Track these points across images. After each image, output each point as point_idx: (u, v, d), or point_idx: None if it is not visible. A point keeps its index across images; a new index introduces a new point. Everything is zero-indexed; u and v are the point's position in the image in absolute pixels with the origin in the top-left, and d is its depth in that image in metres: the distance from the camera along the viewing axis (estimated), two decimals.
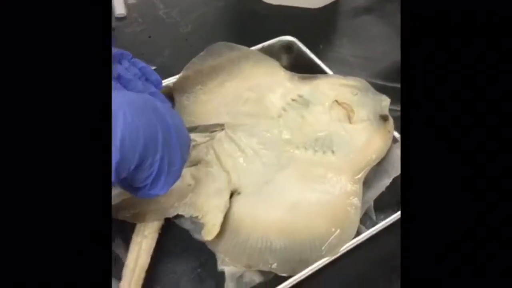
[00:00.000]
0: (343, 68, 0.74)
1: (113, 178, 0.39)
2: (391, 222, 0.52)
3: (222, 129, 0.59)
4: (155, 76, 0.54)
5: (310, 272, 0.49)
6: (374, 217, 0.55)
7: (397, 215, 0.53)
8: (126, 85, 0.51)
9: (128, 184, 0.45)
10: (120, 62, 0.53)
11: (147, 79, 0.54)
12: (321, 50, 0.78)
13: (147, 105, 0.43)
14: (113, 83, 0.50)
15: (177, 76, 0.65)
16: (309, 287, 0.49)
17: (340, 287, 0.51)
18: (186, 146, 0.47)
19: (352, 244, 0.50)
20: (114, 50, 0.53)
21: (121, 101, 0.41)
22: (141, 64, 0.54)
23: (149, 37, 0.79)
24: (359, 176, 0.54)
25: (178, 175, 0.46)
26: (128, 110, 0.40)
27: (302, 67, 0.69)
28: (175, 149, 0.44)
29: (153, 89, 0.54)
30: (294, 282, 0.48)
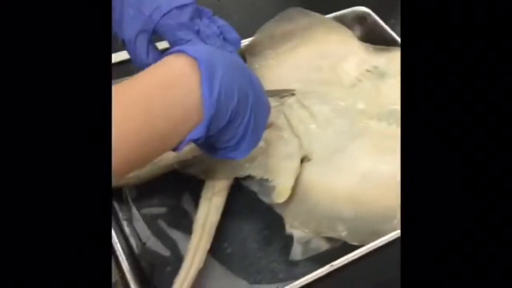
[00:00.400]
0: None
1: (202, 134, 0.39)
2: None
3: (293, 95, 0.58)
4: (234, 34, 0.54)
5: (378, 245, 0.48)
6: None
7: None
8: (205, 41, 0.51)
9: (209, 144, 0.44)
10: (200, 18, 0.52)
11: (225, 38, 0.54)
12: (392, 24, 0.75)
13: (240, 65, 0.42)
14: (193, 37, 0.50)
15: (246, 40, 0.64)
16: (375, 260, 0.49)
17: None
18: (268, 112, 0.46)
19: None
20: (195, 6, 0.52)
21: (218, 56, 0.40)
22: (221, 22, 0.54)
23: (218, 0, 0.78)
24: None
25: (259, 140, 0.45)
26: (226, 65, 0.39)
27: (375, 40, 0.67)
28: (260, 113, 0.43)
29: (230, 48, 0.53)
30: (360, 255, 0.47)
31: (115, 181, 0.34)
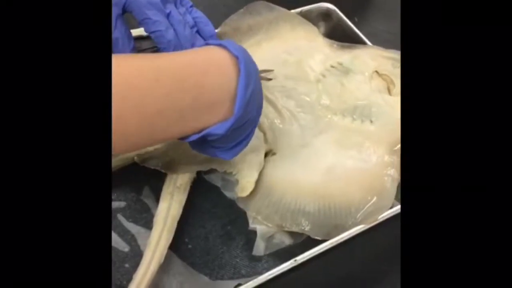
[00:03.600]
0: (376, 43, 0.72)
1: (225, 131, 0.38)
2: None
3: (269, 79, 0.57)
4: (210, 27, 0.52)
5: (341, 240, 0.48)
6: None
7: None
8: (173, 26, 0.49)
9: (206, 141, 0.42)
10: (176, 5, 0.50)
11: (199, 31, 0.52)
12: (356, 23, 0.76)
13: (259, 77, 0.42)
14: (162, 19, 0.48)
15: None
16: (339, 254, 0.49)
17: (370, 257, 0.50)
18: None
19: (386, 215, 0.49)
20: None
21: (252, 61, 0.40)
22: (199, 14, 0.52)
23: None
24: (397, 148, 0.53)
25: (247, 145, 0.44)
26: (256, 73, 0.40)
27: (339, 37, 0.67)
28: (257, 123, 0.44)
29: (201, 41, 0.52)
30: (323, 249, 0.47)
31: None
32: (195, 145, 0.43)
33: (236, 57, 0.39)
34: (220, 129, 0.38)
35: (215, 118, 0.38)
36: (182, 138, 0.39)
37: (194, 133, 0.39)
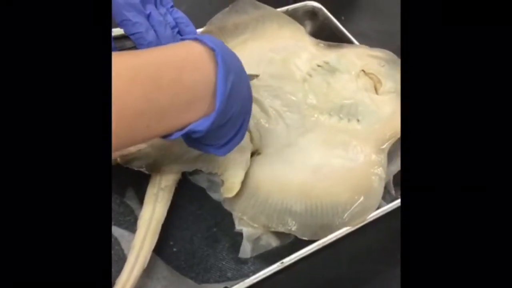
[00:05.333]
0: (363, 42, 0.72)
1: (207, 127, 0.37)
2: None
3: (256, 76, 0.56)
4: (191, 28, 0.51)
5: (328, 241, 0.47)
6: (393, 192, 0.53)
7: None
8: (154, 27, 0.48)
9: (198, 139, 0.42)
10: (156, 6, 0.49)
11: (180, 32, 0.51)
12: (342, 21, 0.76)
13: (243, 68, 0.41)
14: (142, 20, 0.47)
15: (197, 31, 0.62)
16: (326, 256, 0.48)
17: (357, 258, 0.49)
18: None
19: (373, 216, 0.49)
20: None
21: (230, 52, 0.40)
22: (179, 14, 0.51)
23: None
24: (384, 147, 0.53)
25: (241, 141, 0.44)
26: (237, 64, 0.39)
27: (326, 36, 0.66)
28: (248, 118, 0.43)
29: None
30: (311, 251, 0.47)
31: None
32: (189, 142, 0.42)
33: (213, 50, 0.38)
34: (202, 125, 0.37)
35: (197, 115, 0.37)
36: (165, 137, 0.38)
37: (177, 131, 0.38)
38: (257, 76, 0.56)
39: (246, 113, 0.42)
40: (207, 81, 0.37)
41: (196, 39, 0.39)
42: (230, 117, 0.39)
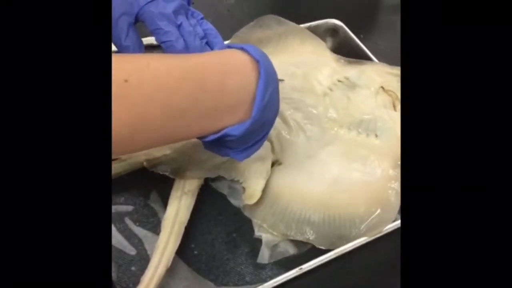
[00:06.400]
0: (381, 60, 0.73)
1: (242, 132, 0.39)
2: None
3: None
4: (219, 39, 0.53)
5: (346, 250, 0.48)
6: None
7: None
8: (184, 37, 0.50)
9: (221, 141, 0.43)
10: (187, 17, 0.52)
11: (208, 42, 0.53)
12: (361, 39, 0.78)
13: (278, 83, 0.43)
14: (173, 30, 0.49)
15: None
16: (343, 265, 0.49)
17: (372, 269, 0.50)
18: None
19: (389, 229, 0.50)
20: (183, 3, 0.52)
21: (272, 66, 0.42)
22: (209, 26, 0.53)
23: (193, 3, 0.78)
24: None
25: (259, 149, 0.45)
26: (276, 78, 0.41)
27: (346, 52, 0.68)
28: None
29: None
30: (326, 260, 0.48)
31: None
32: (209, 145, 0.43)
33: (257, 61, 0.40)
34: (237, 130, 0.39)
35: (234, 119, 0.39)
36: (200, 138, 0.40)
37: (212, 133, 0.40)
38: (282, 80, 0.58)
39: (271, 123, 0.44)
40: (248, 89, 0.39)
41: (241, 48, 0.41)
42: (261, 126, 0.41)
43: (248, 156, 0.44)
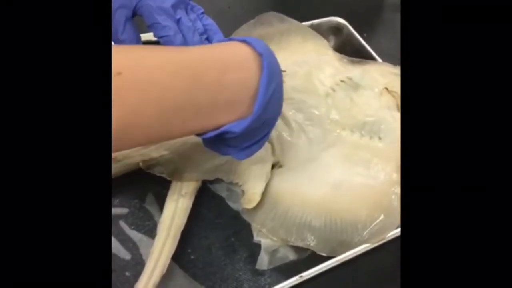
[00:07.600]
0: (384, 59, 0.72)
1: (243, 129, 0.37)
2: None
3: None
4: (220, 35, 0.52)
5: (347, 258, 0.47)
6: None
7: None
8: (182, 32, 0.49)
9: (221, 139, 0.41)
10: (187, 11, 0.50)
11: (208, 38, 0.52)
12: (364, 38, 0.76)
13: (281, 79, 0.42)
14: (171, 25, 0.48)
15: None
16: (342, 273, 0.48)
17: (375, 276, 0.49)
18: None
19: (392, 235, 0.49)
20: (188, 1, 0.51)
21: (276, 59, 0.40)
22: (209, 21, 0.52)
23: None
24: None
25: (261, 148, 0.43)
26: (279, 72, 0.39)
27: (349, 51, 0.67)
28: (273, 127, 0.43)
29: None
30: (328, 267, 0.47)
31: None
32: (208, 143, 0.42)
33: (260, 54, 0.38)
34: (238, 127, 0.37)
35: (233, 116, 0.38)
36: (199, 134, 0.39)
37: (211, 130, 0.38)
38: (284, 71, 0.56)
39: (274, 121, 0.42)
40: (249, 84, 0.37)
41: (244, 41, 0.39)
42: (263, 123, 0.39)
43: (249, 156, 0.43)
